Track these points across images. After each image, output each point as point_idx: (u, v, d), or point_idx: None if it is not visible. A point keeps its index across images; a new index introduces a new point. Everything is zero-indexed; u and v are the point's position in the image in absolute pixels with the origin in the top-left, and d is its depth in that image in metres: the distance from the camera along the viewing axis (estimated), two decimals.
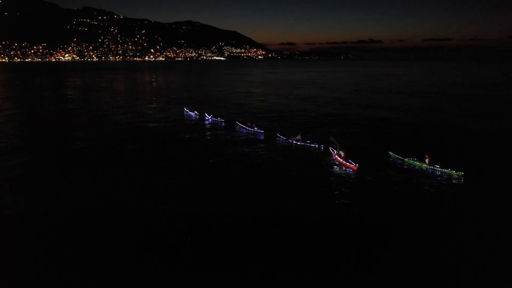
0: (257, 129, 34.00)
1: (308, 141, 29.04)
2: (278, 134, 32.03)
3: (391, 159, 26.09)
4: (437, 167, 23.23)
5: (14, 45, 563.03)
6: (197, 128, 38.49)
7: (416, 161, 24.71)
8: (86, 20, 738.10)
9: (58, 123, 41.15)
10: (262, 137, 32.87)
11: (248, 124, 35.41)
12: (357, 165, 23.73)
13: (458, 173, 22.13)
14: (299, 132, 30.61)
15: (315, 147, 28.56)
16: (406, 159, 25.20)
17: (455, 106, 54.13)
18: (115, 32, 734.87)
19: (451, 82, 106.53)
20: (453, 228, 15.88)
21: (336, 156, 25.95)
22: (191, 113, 45.69)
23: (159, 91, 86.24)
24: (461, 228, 15.88)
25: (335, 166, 24.88)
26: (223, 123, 39.11)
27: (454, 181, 21.52)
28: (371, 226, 16.03)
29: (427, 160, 23.86)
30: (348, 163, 24.37)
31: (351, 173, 23.55)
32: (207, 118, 41.89)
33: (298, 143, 29.43)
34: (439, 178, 22.12)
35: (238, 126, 36.90)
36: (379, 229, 15.80)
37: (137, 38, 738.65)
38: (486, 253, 14.02)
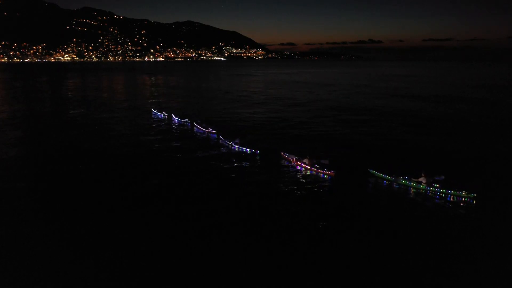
0: (210, 130, 36.84)
1: (246, 146, 30.15)
2: (220, 136, 34.01)
3: (372, 179, 23.15)
4: (436, 187, 20.94)
5: (14, 46, 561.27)
6: (161, 127, 41.97)
7: (408, 180, 21.94)
8: (86, 20, 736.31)
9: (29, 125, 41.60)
10: (215, 137, 35.40)
11: (204, 125, 38.44)
12: (333, 171, 23.71)
13: (469, 194, 20.28)
14: (238, 136, 31.79)
15: (252, 151, 29.50)
16: (395, 179, 22.46)
17: (453, 114, 51.45)
18: (115, 32, 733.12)
19: (452, 85, 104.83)
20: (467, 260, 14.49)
21: (298, 162, 25.92)
22: (160, 114, 48.96)
23: (143, 92, 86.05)
24: (478, 262, 14.49)
25: (301, 172, 25.19)
26: (189, 124, 42.09)
27: (462, 205, 19.75)
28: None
29: (423, 180, 21.37)
30: (324, 170, 24.09)
31: (328, 180, 23.46)
32: (173, 119, 45.15)
33: (237, 146, 30.60)
34: (443, 201, 20.19)
35: (195, 127, 39.83)
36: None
37: (137, 38, 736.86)
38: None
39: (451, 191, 20.88)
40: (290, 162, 26.72)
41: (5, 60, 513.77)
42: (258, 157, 28.61)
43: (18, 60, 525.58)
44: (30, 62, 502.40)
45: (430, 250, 15.20)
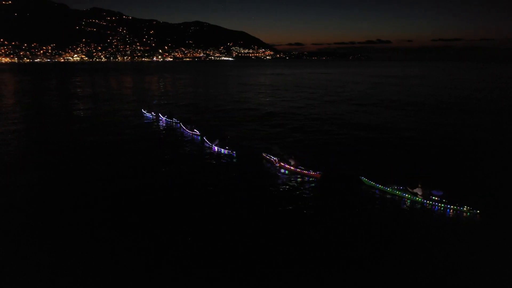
0: (196, 132, 36.06)
1: (226, 147, 29.52)
2: (204, 138, 33.36)
3: (364, 187, 21.18)
4: (434, 200, 18.50)
5: (24, 46, 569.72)
6: (146, 126, 41.33)
7: (403, 191, 19.79)
8: (95, 20, 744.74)
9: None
10: (199, 139, 34.47)
11: (188, 126, 37.47)
12: (319, 172, 22.23)
13: (471, 210, 17.59)
14: (217, 138, 31.08)
15: (229, 152, 28.86)
16: (389, 189, 20.20)
17: (460, 119, 46.73)
18: (124, 32, 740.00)
19: (459, 87, 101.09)
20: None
21: (281, 163, 24.32)
22: (148, 114, 48.13)
23: (140, 91, 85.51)
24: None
25: (292, 175, 23.33)
26: (178, 124, 40.95)
27: (463, 222, 17.01)
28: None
29: (419, 191, 19.09)
30: (310, 172, 22.58)
31: (314, 184, 21.72)
32: (161, 119, 44.57)
33: (216, 147, 30.02)
34: (441, 217, 17.64)
35: (182, 128, 38.91)
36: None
37: (145, 38, 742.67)
38: None
39: (450, 205, 18.43)
40: (272, 164, 25.34)
41: (15, 60, 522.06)
42: (235, 158, 27.55)
43: (28, 60, 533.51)
44: (40, 62, 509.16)
45: (424, 271, 13.08)
